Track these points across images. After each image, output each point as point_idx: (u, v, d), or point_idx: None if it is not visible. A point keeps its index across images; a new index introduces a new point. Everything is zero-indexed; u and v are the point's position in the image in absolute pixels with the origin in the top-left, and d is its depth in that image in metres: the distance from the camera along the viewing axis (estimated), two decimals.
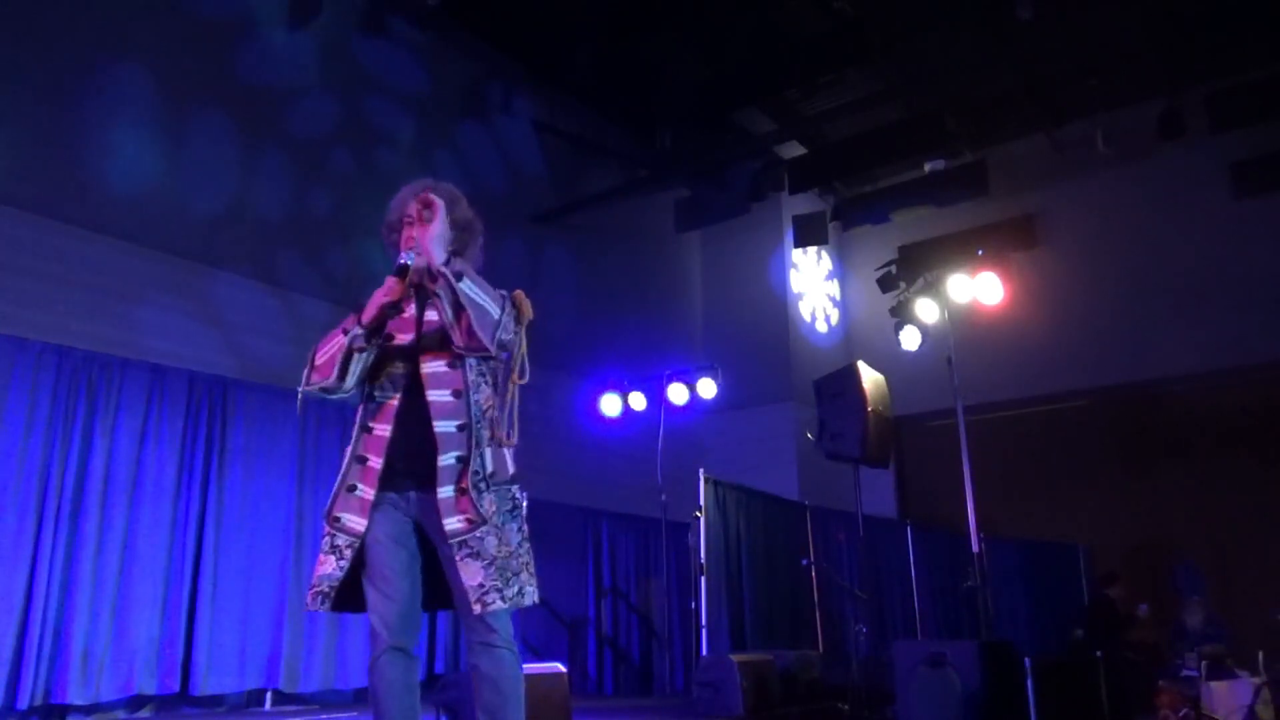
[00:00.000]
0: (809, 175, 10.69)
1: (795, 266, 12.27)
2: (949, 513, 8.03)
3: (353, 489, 2.46)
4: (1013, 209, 11.65)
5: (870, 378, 6.06)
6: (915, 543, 10.15)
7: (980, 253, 7.22)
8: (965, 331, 7.75)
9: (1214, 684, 5.71)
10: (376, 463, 2.47)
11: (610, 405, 9.28)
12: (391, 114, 9.03)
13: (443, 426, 2.43)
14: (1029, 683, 4.49)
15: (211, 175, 7.42)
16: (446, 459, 2.41)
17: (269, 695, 5.89)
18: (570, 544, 8.24)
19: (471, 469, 2.40)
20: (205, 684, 5.47)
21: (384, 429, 2.50)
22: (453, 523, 2.36)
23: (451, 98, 9.77)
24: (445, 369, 2.48)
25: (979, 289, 6.83)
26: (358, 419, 2.57)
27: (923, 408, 10.17)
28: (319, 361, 2.56)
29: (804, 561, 8.30)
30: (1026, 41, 9.59)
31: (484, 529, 2.37)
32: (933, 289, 7.17)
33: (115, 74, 6.90)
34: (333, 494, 2.49)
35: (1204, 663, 5.87)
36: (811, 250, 12.39)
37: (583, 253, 10.71)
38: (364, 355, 2.51)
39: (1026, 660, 4.55)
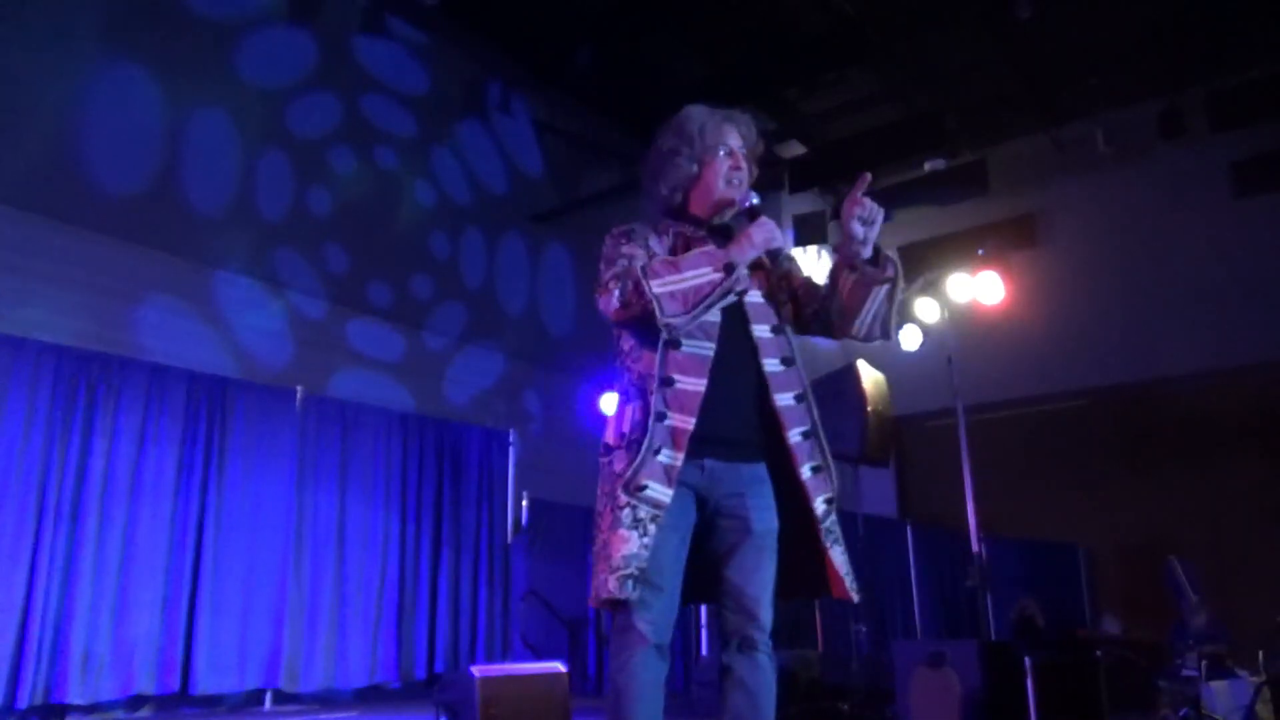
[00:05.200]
0: (809, 175, 10.70)
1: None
2: (949, 513, 8.03)
3: (658, 452, 2.14)
4: (1013, 209, 11.64)
5: (870, 377, 6.06)
6: (915, 543, 10.16)
7: (980, 252, 7.21)
8: (965, 331, 7.75)
9: (1214, 684, 5.71)
10: (686, 422, 2.16)
11: (611, 404, 9.28)
12: (391, 114, 9.04)
13: (783, 399, 2.28)
14: (1029, 683, 4.48)
15: (211, 175, 7.42)
16: (794, 435, 2.26)
17: (269, 695, 5.89)
18: (570, 543, 8.23)
19: (823, 443, 2.29)
20: (205, 684, 5.48)
21: (695, 384, 2.19)
22: (819, 504, 2.24)
23: (451, 98, 9.77)
24: (770, 335, 2.33)
25: (979, 289, 6.83)
26: (642, 369, 2.22)
27: (923, 408, 10.15)
28: (674, 290, 2.16)
29: None
30: (1026, 41, 9.59)
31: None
32: (933, 289, 7.17)
33: (115, 74, 6.90)
34: (635, 459, 2.13)
35: (1204, 663, 5.86)
36: (812, 249, 12.38)
37: (583, 253, 10.71)
38: (725, 299, 2.22)
39: (1026, 660, 4.55)
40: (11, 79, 6.34)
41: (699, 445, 2.17)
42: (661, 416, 2.15)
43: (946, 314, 6.75)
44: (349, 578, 6.40)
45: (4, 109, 6.29)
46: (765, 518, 2.24)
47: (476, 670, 3.98)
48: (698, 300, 2.17)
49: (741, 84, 9.47)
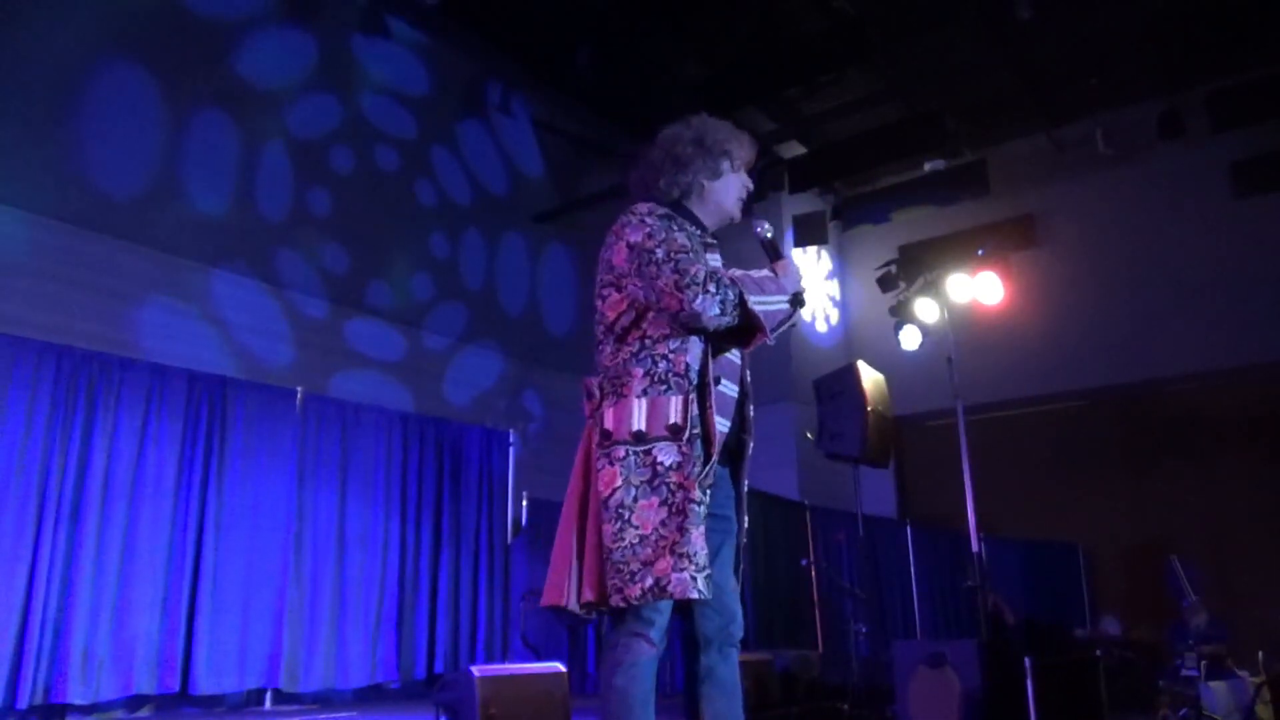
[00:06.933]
0: (809, 175, 10.69)
1: None
2: (949, 513, 8.03)
3: (710, 443, 2.15)
4: (1013, 209, 11.65)
5: (870, 377, 6.05)
6: (915, 543, 10.16)
7: (980, 253, 7.20)
8: (965, 331, 7.74)
9: (1214, 684, 5.71)
10: (725, 425, 2.23)
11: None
12: (391, 114, 9.04)
13: (751, 409, 2.35)
14: (1029, 683, 4.48)
15: (211, 175, 7.43)
16: (750, 443, 2.34)
17: (269, 695, 5.89)
18: None
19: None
20: (205, 684, 5.47)
21: (732, 389, 2.29)
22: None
23: (451, 98, 9.77)
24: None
25: (979, 289, 6.82)
26: (689, 360, 2.18)
27: (923, 408, 10.16)
28: (765, 311, 2.20)
29: (804, 561, 8.30)
30: (1026, 41, 9.59)
31: None
32: (933, 289, 7.15)
33: (115, 74, 6.91)
34: (710, 456, 2.14)
35: (1204, 663, 5.86)
36: (811, 250, 12.39)
37: (583, 253, 10.71)
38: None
39: (1026, 660, 4.55)
40: (12, 80, 6.34)
41: (722, 449, 2.21)
42: (705, 413, 2.16)
43: (946, 314, 6.74)
44: (349, 578, 6.40)
45: (4, 109, 6.29)
46: (743, 517, 2.31)
47: (476, 670, 3.98)
48: (776, 325, 2.24)
49: (741, 84, 9.46)
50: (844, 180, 12.14)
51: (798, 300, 2.29)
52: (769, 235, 2.40)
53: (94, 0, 6.88)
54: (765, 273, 2.29)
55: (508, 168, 10.24)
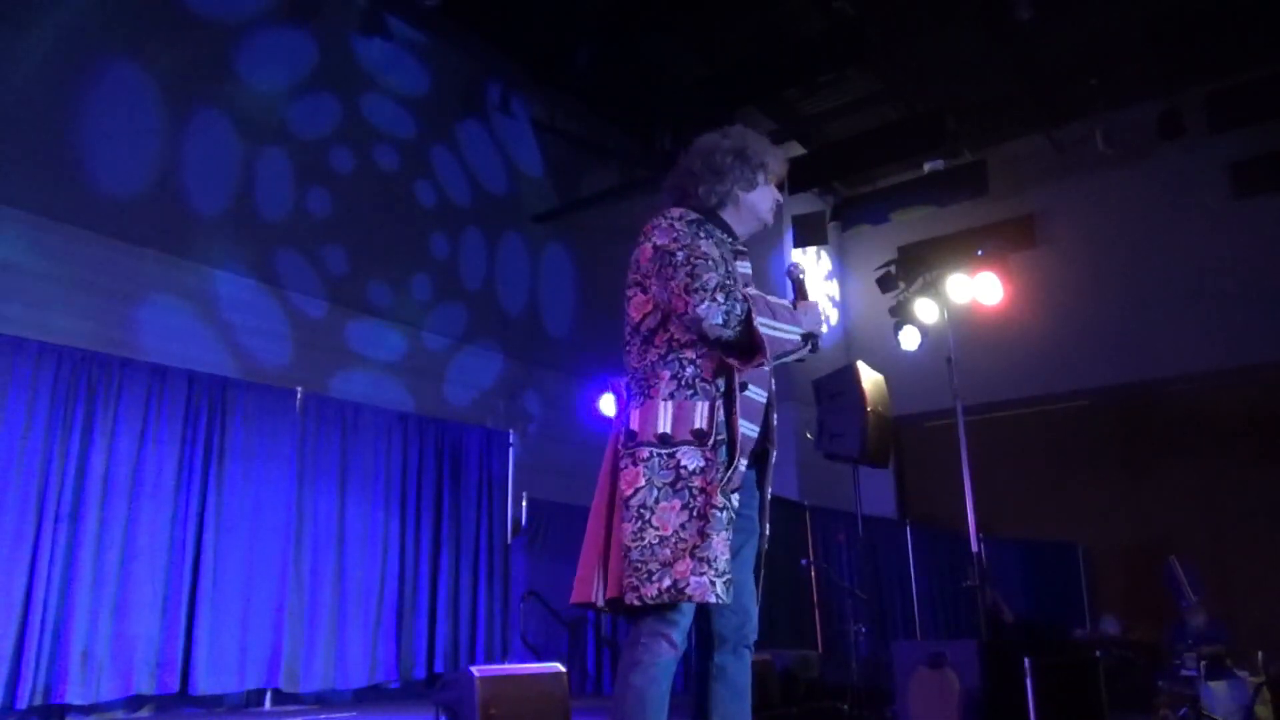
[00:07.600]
0: (809, 175, 10.68)
1: None
2: (949, 513, 8.03)
3: (734, 448, 2.17)
4: (1012, 209, 11.65)
5: (869, 377, 6.05)
6: (915, 543, 10.16)
7: (980, 253, 7.21)
8: (965, 331, 7.74)
9: (1213, 684, 5.71)
10: (754, 431, 2.24)
11: (610, 405, 9.27)
12: (391, 114, 9.03)
13: (775, 417, 2.36)
14: (1029, 683, 4.48)
15: (211, 175, 7.42)
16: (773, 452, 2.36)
17: (269, 695, 5.89)
18: (570, 543, 8.25)
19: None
20: (205, 684, 5.48)
21: (760, 395, 2.27)
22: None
23: (451, 98, 9.77)
24: None
25: (979, 289, 6.83)
26: (715, 366, 2.21)
27: (923, 408, 10.16)
28: (771, 335, 2.22)
29: (804, 561, 8.30)
30: (1026, 41, 9.59)
31: None
32: (932, 289, 7.17)
33: (115, 74, 6.90)
34: (733, 461, 2.14)
35: (1203, 663, 5.86)
36: (811, 250, 12.38)
37: (583, 253, 10.71)
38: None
39: (1026, 660, 4.55)
40: (12, 80, 6.33)
41: (750, 454, 2.24)
42: (732, 418, 2.17)
43: (946, 314, 6.74)
44: (349, 578, 6.40)
45: (4, 110, 6.29)
46: (765, 525, 2.34)
47: (476, 670, 3.98)
48: (780, 354, 2.28)
49: (741, 84, 9.46)
50: (844, 180, 12.14)
51: (810, 340, 2.33)
52: (801, 276, 2.47)
53: (94, 0, 6.88)
54: (785, 302, 2.33)
55: (507, 168, 10.24)
